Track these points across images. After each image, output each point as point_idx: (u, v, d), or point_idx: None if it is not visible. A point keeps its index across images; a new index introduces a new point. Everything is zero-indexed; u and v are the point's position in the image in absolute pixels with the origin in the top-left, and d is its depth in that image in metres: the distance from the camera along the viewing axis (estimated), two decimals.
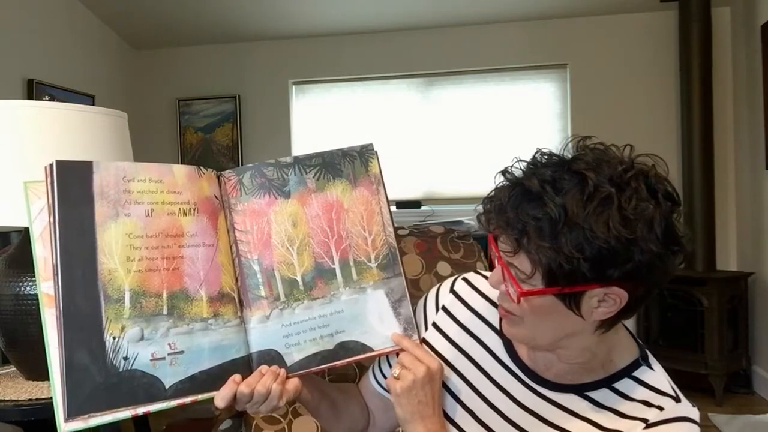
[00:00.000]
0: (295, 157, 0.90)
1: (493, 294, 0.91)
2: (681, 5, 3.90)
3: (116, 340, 0.75)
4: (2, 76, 3.37)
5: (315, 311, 0.86)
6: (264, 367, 0.83)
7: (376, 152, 0.93)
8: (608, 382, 0.82)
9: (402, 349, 0.88)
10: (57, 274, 0.74)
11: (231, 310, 0.84)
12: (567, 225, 0.69)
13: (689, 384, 3.56)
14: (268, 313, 0.85)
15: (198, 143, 4.66)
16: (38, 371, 1.46)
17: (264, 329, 0.85)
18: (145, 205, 0.80)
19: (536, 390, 0.84)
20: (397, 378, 0.85)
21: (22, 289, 1.39)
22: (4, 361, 1.84)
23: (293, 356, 0.85)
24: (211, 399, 0.80)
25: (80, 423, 0.72)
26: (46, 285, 0.75)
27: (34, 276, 1.40)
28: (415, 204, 4.36)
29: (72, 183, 0.77)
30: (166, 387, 0.77)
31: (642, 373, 0.82)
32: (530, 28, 4.27)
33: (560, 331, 0.77)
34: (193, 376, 0.79)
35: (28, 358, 1.47)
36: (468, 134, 4.38)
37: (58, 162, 0.77)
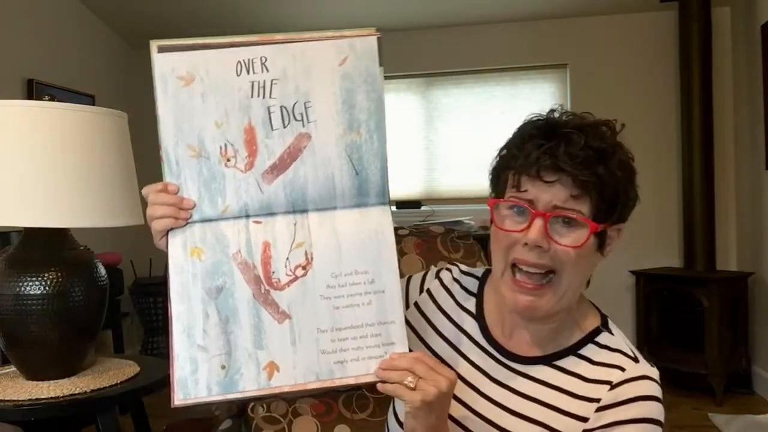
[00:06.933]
0: None
1: (471, 285, 0.97)
2: (681, 5, 3.90)
3: None
4: (2, 76, 3.37)
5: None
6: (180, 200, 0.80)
7: None
8: (574, 350, 0.86)
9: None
10: None
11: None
12: (619, 164, 0.80)
13: (689, 384, 3.56)
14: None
15: None
16: (38, 371, 1.47)
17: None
18: None
19: (509, 366, 0.88)
20: (413, 388, 0.75)
21: (22, 289, 1.39)
22: (4, 361, 1.84)
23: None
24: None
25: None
26: None
27: (34, 276, 1.41)
28: (415, 204, 4.35)
29: None
30: None
31: (603, 338, 0.87)
32: (530, 28, 4.26)
33: (585, 276, 0.83)
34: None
35: (28, 358, 1.47)
36: (468, 134, 4.38)
37: None
